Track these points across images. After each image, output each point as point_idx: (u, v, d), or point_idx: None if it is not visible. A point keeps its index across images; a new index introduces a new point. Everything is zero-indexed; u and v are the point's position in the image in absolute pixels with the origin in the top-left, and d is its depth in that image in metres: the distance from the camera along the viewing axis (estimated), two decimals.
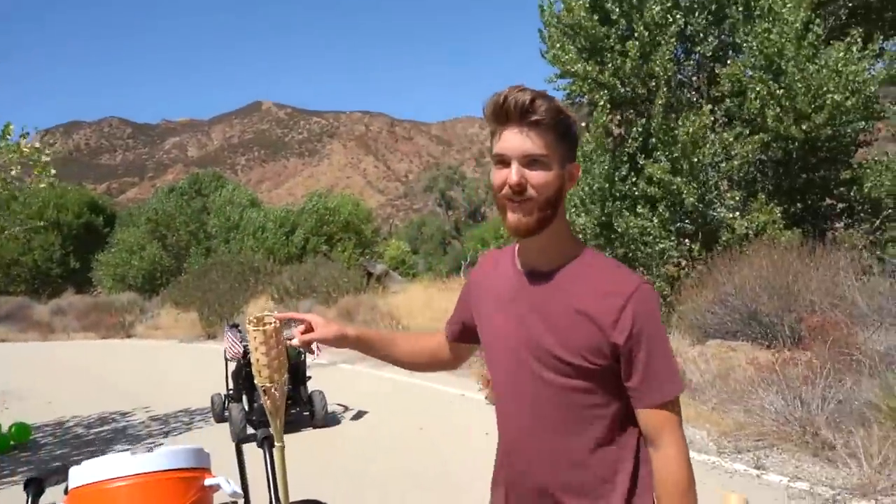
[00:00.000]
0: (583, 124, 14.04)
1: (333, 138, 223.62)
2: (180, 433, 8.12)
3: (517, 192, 1.36)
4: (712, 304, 9.10)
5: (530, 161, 1.36)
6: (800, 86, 10.83)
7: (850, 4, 12.42)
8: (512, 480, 1.52)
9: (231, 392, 8.02)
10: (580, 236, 12.89)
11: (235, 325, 7.95)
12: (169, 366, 14.70)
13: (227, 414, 7.88)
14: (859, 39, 11.29)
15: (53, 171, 7.49)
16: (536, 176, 1.36)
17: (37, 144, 7.83)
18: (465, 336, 1.76)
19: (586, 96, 14.02)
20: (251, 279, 23.79)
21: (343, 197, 39.19)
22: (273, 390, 1.79)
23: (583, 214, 12.82)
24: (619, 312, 1.37)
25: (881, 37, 12.10)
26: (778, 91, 11.25)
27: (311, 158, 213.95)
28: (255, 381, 1.81)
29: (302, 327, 1.75)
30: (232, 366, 7.97)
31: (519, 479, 1.50)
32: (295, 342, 1.73)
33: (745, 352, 8.08)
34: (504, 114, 1.37)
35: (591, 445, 1.42)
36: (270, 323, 1.78)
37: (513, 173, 1.36)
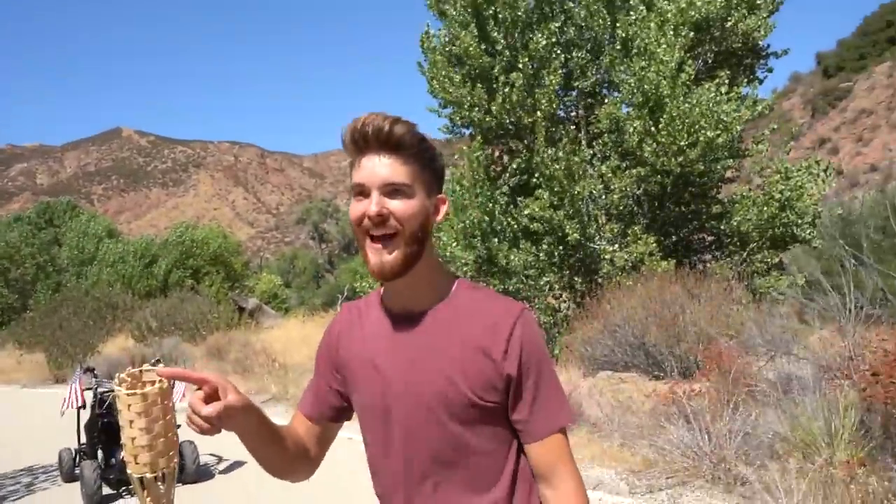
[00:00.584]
0: (460, 155, 13.99)
1: (200, 168, 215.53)
2: (19, 497, 6.96)
3: (378, 223, 1.26)
4: (601, 335, 9.06)
5: (392, 190, 1.27)
6: (677, 122, 11.24)
7: (717, 49, 13.12)
8: None
9: (83, 447, 6.99)
10: (462, 270, 12.69)
11: (90, 370, 6.96)
12: (8, 414, 12.99)
13: (78, 472, 6.85)
14: (727, 81, 11.93)
15: None
16: (399, 206, 1.27)
17: None
18: (339, 411, 1.50)
19: (470, 127, 14.01)
20: (108, 315, 21.95)
21: (211, 229, 37.49)
22: (157, 482, 1.24)
23: (465, 249, 12.65)
24: (507, 342, 1.29)
25: (744, 80, 12.90)
26: (653, 128, 11.62)
27: (175, 188, 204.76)
28: (129, 470, 1.24)
29: (201, 393, 1.24)
30: (85, 416, 6.95)
31: None
32: (206, 412, 1.21)
33: (636, 383, 8.04)
34: (362, 139, 1.27)
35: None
36: (154, 382, 1.24)
37: (373, 203, 1.25)
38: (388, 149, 1.27)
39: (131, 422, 1.21)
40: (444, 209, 1.36)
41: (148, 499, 1.23)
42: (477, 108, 13.21)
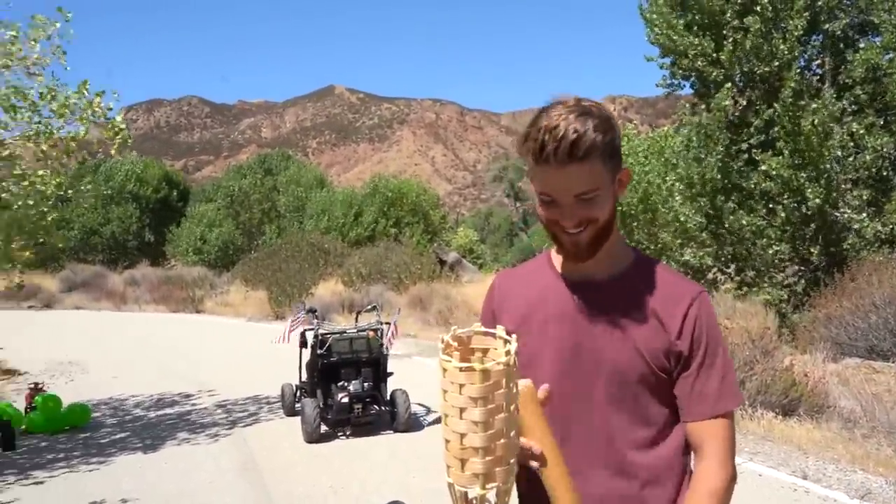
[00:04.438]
0: (690, 106, 12.86)
1: (403, 125, 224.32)
2: (246, 425, 7.43)
3: (575, 231, 1.30)
4: (851, 316, 7.86)
5: (583, 197, 1.27)
6: None
7: None
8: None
9: (304, 384, 7.28)
10: (683, 229, 11.74)
11: (312, 311, 7.18)
12: (237, 346, 14.21)
13: (298, 408, 7.15)
14: None
15: (127, 131, 6.86)
16: (590, 210, 1.29)
17: (110, 106, 7.24)
18: None
19: (693, 79, 12.85)
20: (321, 260, 23.33)
21: (405, 181, 38.67)
22: (486, 502, 0.87)
23: (690, 205, 11.61)
24: (682, 321, 1.33)
25: None
26: None
27: (380, 144, 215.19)
28: (450, 479, 0.89)
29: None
30: (306, 354, 7.21)
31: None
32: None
33: None
34: (553, 155, 1.23)
35: (650, 461, 1.35)
36: (486, 351, 0.88)
37: (567, 218, 1.29)
38: (575, 160, 1.23)
39: (462, 410, 0.85)
40: (627, 181, 1.36)
41: None
42: (703, 58, 12.04)
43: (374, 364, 6.80)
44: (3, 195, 6.35)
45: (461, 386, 0.83)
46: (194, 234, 34.03)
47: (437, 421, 7.21)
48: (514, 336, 0.90)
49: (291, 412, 7.48)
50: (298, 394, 7.45)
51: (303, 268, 21.65)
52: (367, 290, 18.47)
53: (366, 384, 6.64)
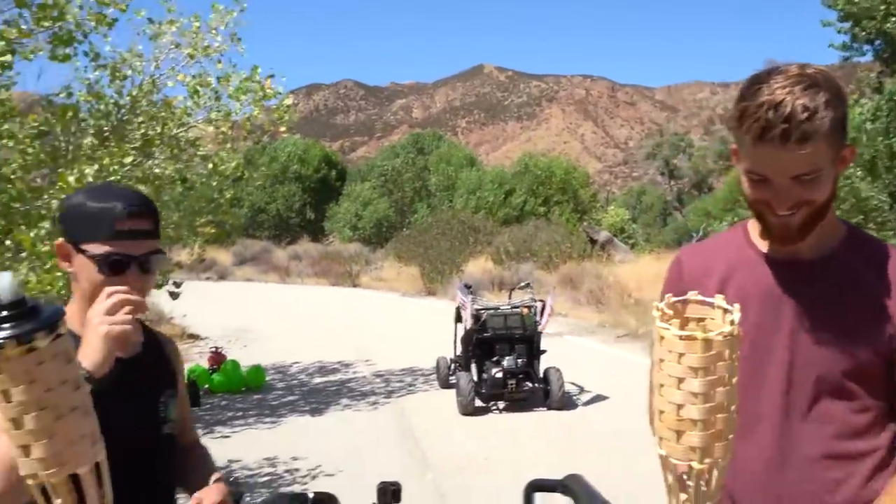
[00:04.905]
0: (861, 85, 11.73)
1: (552, 102, 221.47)
2: (402, 395, 7.71)
3: (786, 214, 1.16)
4: None
5: (799, 178, 1.13)
6: None
7: None
8: None
9: (459, 358, 7.43)
10: (861, 207, 10.75)
11: (468, 286, 7.28)
12: (392, 319, 14.77)
13: (452, 381, 7.32)
14: None
15: (294, 111, 7.27)
16: (808, 192, 1.14)
17: (280, 89, 7.67)
18: None
19: (879, 42, 11.66)
20: (470, 238, 23.64)
21: (554, 158, 38.22)
22: (699, 477, 0.84)
23: (868, 179, 10.60)
24: None
25: None
26: None
27: (528, 122, 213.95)
28: (663, 450, 0.86)
29: None
30: (461, 329, 7.35)
31: None
32: None
33: None
34: (768, 139, 1.09)
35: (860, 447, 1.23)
36: (701, 320, 0.84)
37: (781, 200, 1.15)
38: (801, 142, 1.09)
39: (680, 380, 0.81)
40: (850, 159, 1.21)
41: (684, 500, 0.84)
42: (894, 19, 10.88)
43: (527, 341, 6.81)
44: (191, 176, 6.92)
45: (680, 355, 0.79)
46: (350, 211, 35.71)
47: (591, 401, 7.12)
48: (736, 305, 0.84)
49: (445, 384, 7.66)
50: (453, 367, 7.62)
51: (453, 245, 22.05)
52: (517, 269, 18.50)
53: (519, 360, 6.67)
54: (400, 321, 14.38)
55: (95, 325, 1.16)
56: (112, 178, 5.43)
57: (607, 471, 4.79)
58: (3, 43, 4.56)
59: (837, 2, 11.61)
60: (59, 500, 0.83)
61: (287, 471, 5.25)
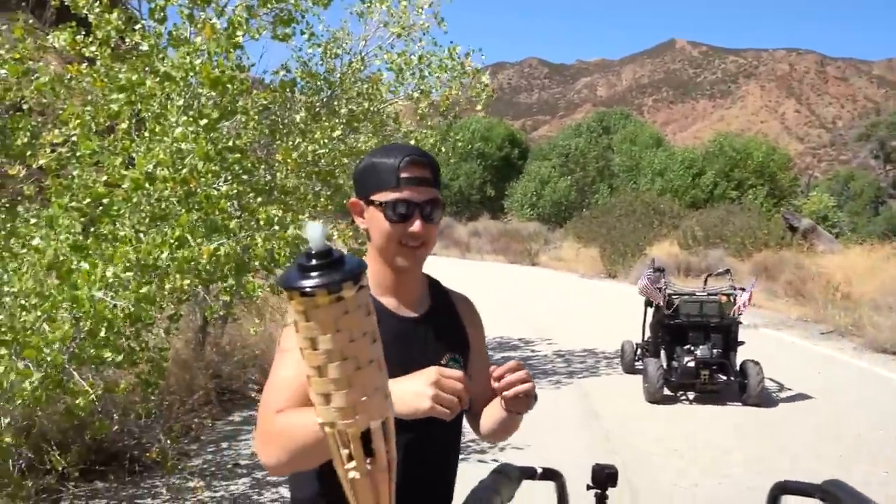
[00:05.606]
0: None
1: (750, 79, 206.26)
2: (584, 377, 7.62)
3: None
4: None
5: None
6: None
7: None
8: None
9: (647, 343, 7.20)
10: None
11: (660, 270, 7.00)
12: (572, 300, 14.63)
13: (638, 366, 7.12)
14: None
15: (491, 88, 7.35)
16: None
17: (478, 67, 7.78)
18: None
19: None
20: (655, 221, 22.75)
21: (751, 139, 35.58)
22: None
23: None
24: None
25: None
26: None
27: (722, 100, 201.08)
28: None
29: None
30: (650, 314, 7.11)
31: None
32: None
33: None
34: None
35: None
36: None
37: None
38: None
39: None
40: None
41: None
42: None
43: (724, 330, 6.45)
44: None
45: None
46: (529, 190, 35.69)
47: (792, 398, 6.63)
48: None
49: (630, 370, 7.47)
50: (639, 352, 7.41)
51: (637, 227, 21.35)
52: (706, 255, 17.56)
53: (714, 350, 6.34)
54: (580, 302, 14.20)
55: (425, 386, 1.12)
56: (321, 150, 5.82)
57: (812, 478, 4.44)
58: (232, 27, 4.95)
59: None
60: (345, 452, 0.87)
61: (472, 440, 5.38)
